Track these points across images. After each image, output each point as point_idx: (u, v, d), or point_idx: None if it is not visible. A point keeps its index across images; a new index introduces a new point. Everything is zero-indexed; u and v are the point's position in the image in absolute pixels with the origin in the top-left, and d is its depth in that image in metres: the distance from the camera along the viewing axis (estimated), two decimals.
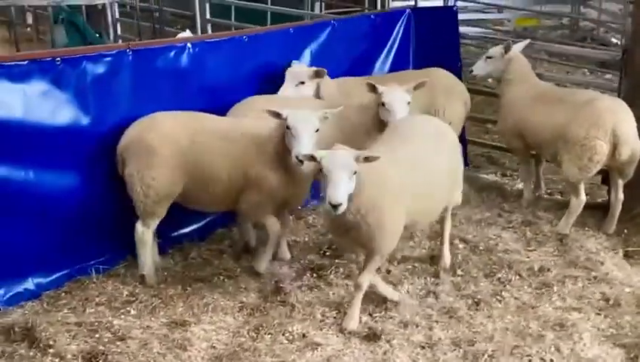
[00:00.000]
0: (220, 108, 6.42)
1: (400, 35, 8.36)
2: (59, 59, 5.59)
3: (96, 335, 5.06)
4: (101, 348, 4.91)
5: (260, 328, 5.23)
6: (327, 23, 7.68)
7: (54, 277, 5.82)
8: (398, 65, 8.25)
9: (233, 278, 5.93)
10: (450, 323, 5.35)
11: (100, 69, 5.84)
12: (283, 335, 5.18)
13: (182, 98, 6.35)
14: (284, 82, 6.84)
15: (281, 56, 7.20)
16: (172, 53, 6.31)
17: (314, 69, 6.82)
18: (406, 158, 5.34)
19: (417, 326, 5.30)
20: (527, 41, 7.79)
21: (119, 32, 12.36)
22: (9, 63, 5.38)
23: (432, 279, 6.00)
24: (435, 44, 8.30)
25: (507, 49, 7.28)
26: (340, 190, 4.70)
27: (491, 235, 6.76)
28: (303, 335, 5.18)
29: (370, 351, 5.04)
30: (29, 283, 5.69)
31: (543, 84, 7.41)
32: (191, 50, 6.40)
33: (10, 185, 5.47)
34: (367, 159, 4.85)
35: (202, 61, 6.50)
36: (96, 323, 5.19)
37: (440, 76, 7.54)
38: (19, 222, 5.56)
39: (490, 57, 7.40)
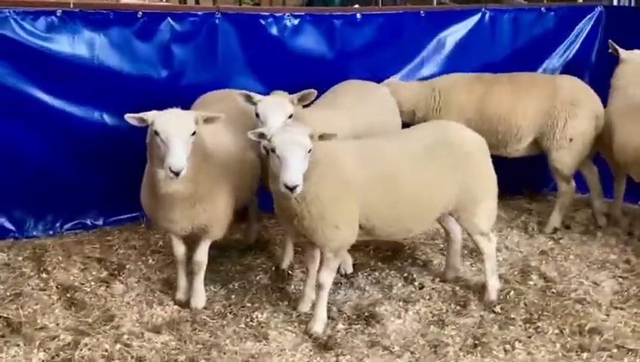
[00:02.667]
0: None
1: (584, 34, 7.12)
2: (141, 12, 5.89)
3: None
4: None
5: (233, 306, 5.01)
6: (475, 10, 6.85)
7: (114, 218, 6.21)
8: (575, 68, 7.03)
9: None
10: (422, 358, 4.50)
11: (183, 27, 6.01)
12: (247, 317, 4.88)
13: (265, 70, 6.24)
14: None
15: (409, 40, 6.65)
16: (263, 22, 6.21)
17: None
18: (370, 153, 4.68)
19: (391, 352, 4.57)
20: None
21: None
22: (92, 11, 5.81)
23: (457, 307, 5.09)
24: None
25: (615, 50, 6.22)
26: (295, 170, 4.23)
27: (580, 277, 5.52)
28: (261, 325, 4.81)
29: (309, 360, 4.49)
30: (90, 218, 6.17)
31: None
32: (285, 21, 6.23)
33: (82, 127, 5.94)
34: (322, 137, 4.34)
35: (295, 35, 6.30)
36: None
37: (565, 84, 6.38)
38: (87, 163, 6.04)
39: None
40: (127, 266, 5.57)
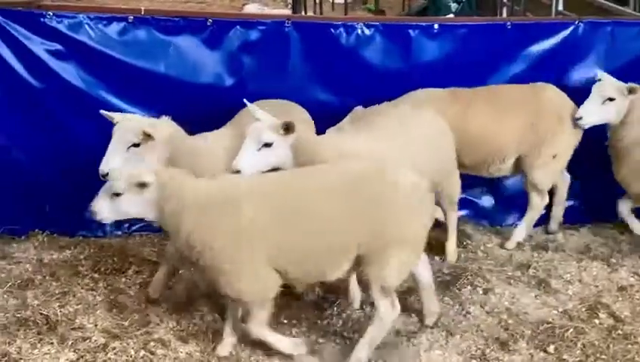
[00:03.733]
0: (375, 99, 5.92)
1: None
2: (210, 20, 5.91)
3: None
4: None
5: None
6: (568, 22, 6.33)
7: None
8: None
9: None
10: None
11: (252, 36, 5.97)
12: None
13: (336, 81, 6.08)
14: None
15: (492, 53, 6.26)
16: (336, 32, 6.04)
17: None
18: (277, 188, 4.35)
19: None
20: None
21: None
22: (163, 18, 5.89)
23: (505, 342, 4.70)
24: None
25: (633, 90, 5.67)
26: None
27: None
28: None
29: None
30: None
31: None
32: (357, 31, 6.04)
33: None
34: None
35: (367, 45, 6.07)
36: None
37: (548, 95, 5.92)
38: None
39: (611, 99, 5.70)
40: (180, 272, 5.57)
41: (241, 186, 4.30)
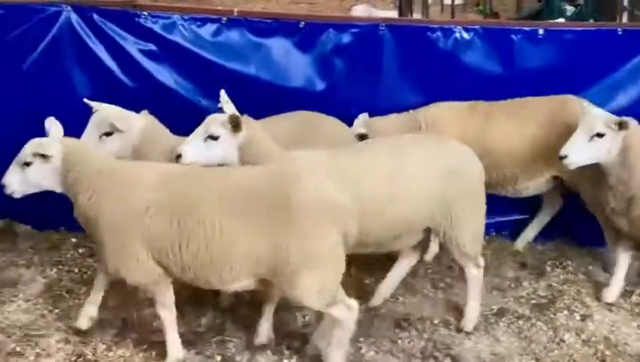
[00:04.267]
0: None
1: None
2: (303, 22, 5.78)
3: None
4: None
5: None
6: None
7: None
8: None
9: None
10: None
11: (345, 39, 5.80)
12: None
13: (432, 86, 5.82)
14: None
15: (600, 61, 5.83)
16: (433, 36, 5.79)
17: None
18: (175, 185, 4.15)
19: None
20: None
21: None
22: (256, 20, 5.81)
23: None
24: None
25: (623, 125, 4.75)
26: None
27: None
28: None
29: None
30: None
31: None
32: (455, 35, 5.76)
33: None
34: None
35: (466, 49, 5.78)
36: None
37: (574, 106, 5.31)
38: None
39: (600, 135, 4.78)
40: None
41: (147, 174, 4.22)
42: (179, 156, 4.50)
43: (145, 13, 5.70)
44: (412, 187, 4.53)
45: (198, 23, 5.76)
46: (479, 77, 5.82)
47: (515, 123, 5.41)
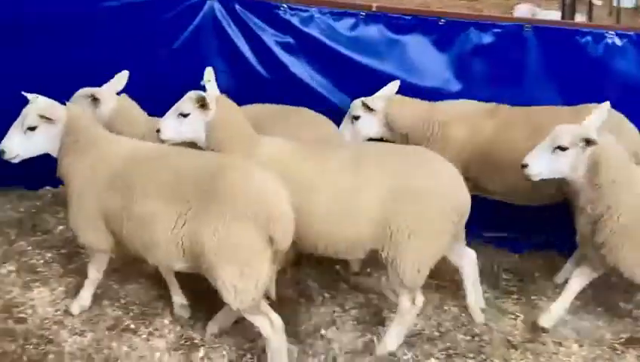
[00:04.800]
0: None
1: None
2: (443, 20, 5.60)
3: None
4: None
5: None
6: None
7: None
8: None
9: None
10: None
11: (486, 39, 5.57)
12: None
13: (578, 92, 5.40)
14: None
15: None
16: (582, 40, 5.43)
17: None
18: (144, 155, 4.33)
19: None
20: None
21: None
22: (395, 16, 5.70)
23: None
24: None
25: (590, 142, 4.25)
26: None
27: None
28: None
29: None
30: None
31: None
32: (607, 40, 5.37)
33: None
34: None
35: (619, 56, 5.38)
36: None
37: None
38: None
39: (562, 148, 4.31)
40: None
41: (118, 148, 4.39)
42: (158, 130, 4.62)
43: (284, 5, 5.73)
44: (353, 204, 4.20)
45: (336, 17, 5.73)
46: (629, 85, 5.39)
47: (529, 132, 4.92)
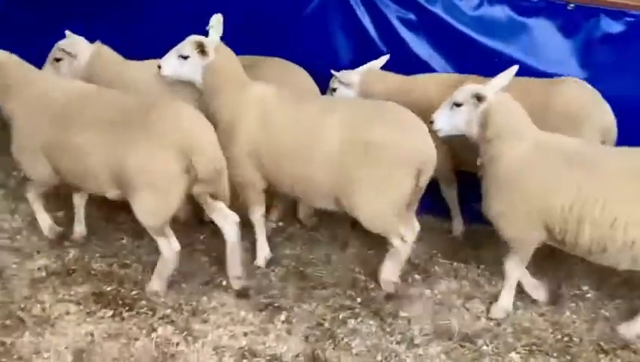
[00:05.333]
0: None
1: None
2: (572, 4, 5.36)
3: None
4: None
5: None
6: None
7: None
8: None
9: None
10: None
11: (616, 27, 5.28)
12: None
13: None
14: None
15: None
16: None
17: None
18: (81, 96, 4.72)
19: None
20: None
21: None
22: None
23: None
24: None
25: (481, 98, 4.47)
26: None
27: None
28: None
29: None
30: None
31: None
32: None
33: None
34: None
35: None
36: None
37: (565, 89, 4.91)
38: None
39: (457, 104, 4.58)
40: None
41: (60, 86, 4.81)
42: (159, 67, 4.98)
43: None
44: (315, 148, 4.57)
45: None
46: None
47: None
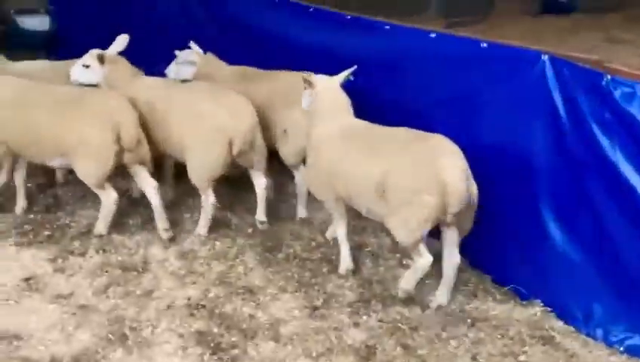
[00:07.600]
0: None
1: None
2: None
3: None
4: None
5: None
6: None
7: None
8: None
9: None
10: None
11: None
12: None
13: None
14: None
15: None
16: None
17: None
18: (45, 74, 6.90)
19: None
20: None
21: None
22: None
23: None
24: None
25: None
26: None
27: None
28: None
29: None
30: None
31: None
32: None
33: None
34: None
35: None
36: None
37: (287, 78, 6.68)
38: None
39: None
40: None
41: (17, 81, 6.37)
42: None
43: (608, 77, 5.00)
44: (167, 121, 6.25)
45: None
46: None
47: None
